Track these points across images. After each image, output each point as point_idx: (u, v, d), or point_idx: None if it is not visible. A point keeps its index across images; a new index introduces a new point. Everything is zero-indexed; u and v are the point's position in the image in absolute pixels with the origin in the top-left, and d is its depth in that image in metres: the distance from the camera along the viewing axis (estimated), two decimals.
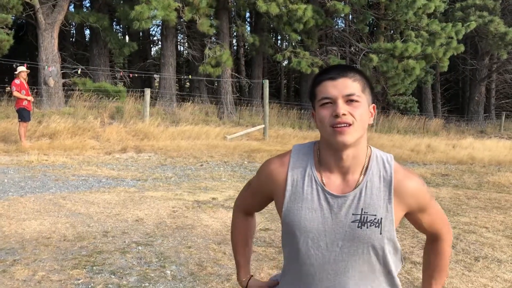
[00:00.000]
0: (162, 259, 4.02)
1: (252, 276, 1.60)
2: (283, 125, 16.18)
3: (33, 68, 10.48)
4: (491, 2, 20.61)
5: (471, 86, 25.51)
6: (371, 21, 20.58)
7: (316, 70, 17.35)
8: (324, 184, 1.32)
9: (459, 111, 27.04)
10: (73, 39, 23.02)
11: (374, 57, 16.47)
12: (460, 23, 18.11)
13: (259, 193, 1.48)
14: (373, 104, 1.34)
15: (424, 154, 12.72)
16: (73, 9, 17.14)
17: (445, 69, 18.56)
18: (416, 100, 22.77)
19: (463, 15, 20.17)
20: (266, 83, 14.06)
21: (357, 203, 1.30)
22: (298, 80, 21.05)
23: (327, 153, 1.32)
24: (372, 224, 1.28)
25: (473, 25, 18.35)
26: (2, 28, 12.47)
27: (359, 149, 1.30)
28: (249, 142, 12.44)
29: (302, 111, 18.22)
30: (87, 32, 21.90)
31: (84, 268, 3.73)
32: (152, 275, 3.67)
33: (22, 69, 9.72)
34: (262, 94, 14.42)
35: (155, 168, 8.82)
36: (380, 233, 1.28)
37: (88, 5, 21.38)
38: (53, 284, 3.43)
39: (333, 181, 1.32)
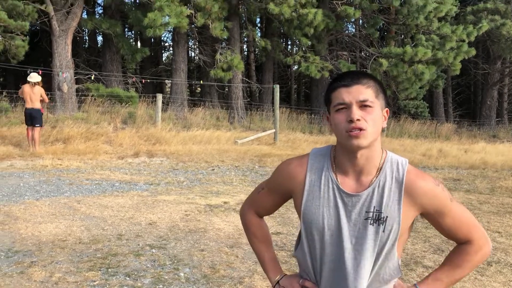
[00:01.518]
0: (175, 261, 4.07)
1: (285, 275, 1.57)
2: (293, 129, 16.21)
3: (47, 74, 10.65)
4: (502, 6, 20.46)
5: (483, 90, 25.29)
6: (381, 26, 20.56)
7: (326, 75, 17.38)
8: (339, 184, 1.38)
9: (471, 115, 26.81)
10: (86, 45, 23.35)
11: (384, 61, 16.45)
12: (471, 25, 17.99)
13: (277, 192, 1.53)
14: (386, 108, 1.39)
15: (435, 158, 12.65)
16: (86, 16, 17.40)
17: (457, 72, 18.44)
18: (427, 104, 22.63)
19: (475, 19, 20.04)
20: (277, 88, 14.12)
21: (370, 202, 1.36)
22: (309, 85, 21.08)
23: (342, 155, 1.39)
24: (381, 222, 1.34)
25: (485, 27, 18.18)
26: (18, 35, 12.70)
27: (372, 151, 1.35)
28: (259, 146, 12.49)
29: (313, 115, 18.24)
30: (100, 38, 22.23)
31: (99, 270, 3.80)
32: (166, 277, 3.73)
33: (31, 80, 9.78)
34: (273, 99, 14.47)
35: (167, 172, 8.91)
36: (383, 231, 1.34)
37: (100, 11, 21.69)
38: (70, 285, 3.50)
39: (348, 181, 1.39)
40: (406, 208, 1.35)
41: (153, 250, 4.34)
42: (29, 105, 9.67)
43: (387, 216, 1.34)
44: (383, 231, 1.35)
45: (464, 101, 28.38)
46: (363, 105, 1.31)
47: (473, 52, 17.45)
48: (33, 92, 9.70)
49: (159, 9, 13.37)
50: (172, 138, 11.77)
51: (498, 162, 12.20)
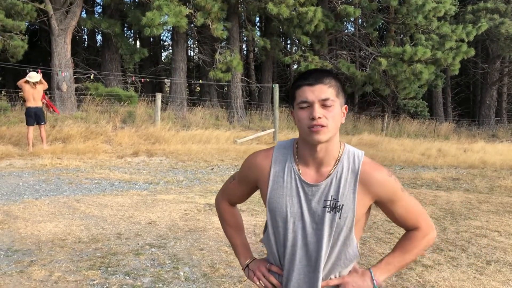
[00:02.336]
0: (175, 260, 4.07)
1: (255, 259, 1.69)
2: (293, 129, 16.21)
3: (46, 74, 10.62)
4: (502, 5, 20.47)
5: (482, 89, 25.30)
6: (381, 25, 20.56)
7: None
8: (301, 174, 1.50)
9: (470, 115, 26.82)
10: (85, 45, 23.32)
11: (383, 61, 16.45)
12: (470, 25, 17.98)
13: (246, 182, 1.65)
14: (345, 105, 1.51)
15: (435, 158, 12.66)
16: (85, 15, 17.38)
17: (456, 72, 18.44)
18: (427, 104, 22.63)
19: (474, 18, 20.04)
20: (276, 87, 14.12)
21: (328, 191, 1.48)
22: None
23: (304, 148, 1.50)
24: (337, 210, 1.46)
25: (484, 26, 18.18)
26: (17, 34, 12.68)
27: (331, 145, 1.47)
28: (259, 146, 12.49)
29: None
30: (99, 37, 22.21)
31: (99, 269, 3.80)
32: (166, 276, 3.73)
33: (32, 80, 9.78)
34: (272, 98, 14.47)
35: (166, 171, 8.91)
36: (339, 218, 1.46)
37: (100, 11, 21.67)
38: (69, 284, 3.50)
39: (309, 172, 1.51)
40: (360, 197, 1.47)
41: (153, 249, 4.34)
42: (32, 104, 9.67)
43: (343, 205, 1.46)
44: (340, 218, 1.46)
45: (463, 100, 28.39)
46: (324, 104, 1.42)
47: (472, 52, 17.44)
48: (35, 91, 9.72)
49: (158, 8, 13.35)
50: (172, 138, 11.76)
51: (497, 162, 12.22)
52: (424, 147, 14.23)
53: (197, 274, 3.79)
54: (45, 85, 9.97)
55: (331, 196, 1.46)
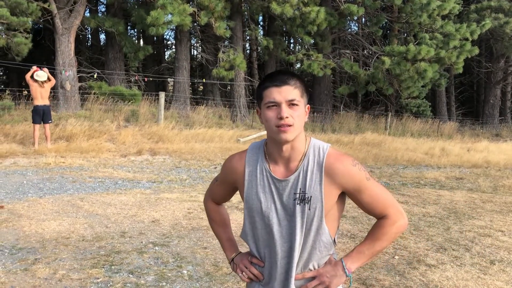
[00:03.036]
0: (178, 259, 4.08)
1: (240, 253, 1.78)
2: None
3: (50, 73, 10.64)
4: (506, 3, 20.38)
5: (486, 89, 25.20)
6: (384, 24, 20.51)
7: (329, 73, 17.35)
8: (271, 171, 1.59)
9: (474, 114, 26.72)
10: (89, 44, 23.37)
11: (387, 59, 16.40)
12: (474, 24, 17.91)
13: (225, 183, 1.76)
14: (308, 105, 1.60)
15: (438, 157, 12.63)
16: (88, 14, 17.41)
17: (460, 71, 18.36)
18: (430, 103, 22.56)
19: (478, 17, 19.96)
20: None
21: (296, 184, 1.56)
22: (311, 83, 21.04)
23: (272, 146, 1.59)
24: (306, 202, 1.54)
25: (488, 25, 18.09)
26: (21, 32, 12.71)
27: (297, 142, 1.56)
28: None
29: (315, 113, 18.22)
30: (103, 36, 22.25)
31: (103, 267, 3.82)
32: (169, 274, 3.74)
33: (39, 79, 9.86)
34: None
35: (170, 170, 8.92)
36: (309, 209, 1.54)
37: (103, 10, 21.70)
38: (73, 282, 3.51)
39: (279, 168, 1.60)
40: (327, 188, 1.54)
41: (156, 248, 4.35)
42: (40, 102, 9.77)
43: (311, 196, 1.54)
44: (309, 209, 1.54)
45: (467, 99, 28.29)
46: (291, 104, 1.50)
47: (476, 51, 17.37)
48: (43, 89, 9.80)
49: (162, 7, 13.35)
50: (175, 136, 11.78)
51: (501, 161, 12.18)
52: (428, 146, 14.20)
53: (200, 273, 3.80)
54: (52, 82, 10.08)
55: (300, 189, 1.55)
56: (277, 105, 1.50)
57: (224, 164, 1.73)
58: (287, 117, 1.48)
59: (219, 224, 1.87)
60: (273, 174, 1.59)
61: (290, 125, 1.49)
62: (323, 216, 1.55)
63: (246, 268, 1.69)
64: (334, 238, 1.63)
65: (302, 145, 1.58)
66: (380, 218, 1.60)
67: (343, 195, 1.60)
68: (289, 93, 1.50)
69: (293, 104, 1.51)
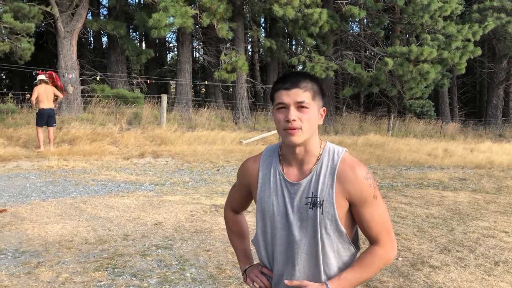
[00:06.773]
0: (181, 262, 4.08)
1: (253, 264, 1.76)
2: None
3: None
4: (509, 3, 20.33)
5: (489, 89, 25.14)
6: (386, 25, 20.49)
7: (331, 74, 17.33)
8: (284, 174, 1.58)
9: (477, 114, 26.65)
10: (91, 47, 23.42)
11: (389, 61, 16.38)
12: (477, 24, 17.87)
13: (242, 188, 1.75)
14: (324, 108, 1.59)
15: (441, 158, 12.60)
16: (91, 17, 17.45)
17: (463, 71, 18.33)
18: (433, 104, 22.52)
19: (480, 17, 19.92)
20: None
21: (309, 188, 1.54)
22: None
23: (286, 149, 1.59)
24: (318, 206, 1.51)
25: (491, 25, 18.04)
26: (24, 36, 12.76)
27: (310, 145, 1.54)
28: (264, 146, 12.44)
29: None
30: (105, 39, 22.28)
31: (106, 270, 3.81)
32: (172, 277, 3.73)
33: (42, 78, 9.97)
34: None
35: (172, 172, 8.92)
36: (322, 213, 1.51)
37: (105, 13, 21.76)
38: (76, 285, 3.51)
39: (292, 171, 1.58)
40: (337, 194, 1.51)
41: (159, 250, 4.34)
42: (46, 105, 9.82)
43: (323, 200, 1.51)
44: (322, 214, 1.51)
45: (469, 100, 28.23)
46: (300, 106, 1.49)
47: (479, 51, 17.33)
48: (48, 92, 9.87)
49: (164, 10, 13.37)
50: (177, 139, 11.78)
51: (504, 162, 12.13)
52: (431, 147, 14.16)
53: (203, 275, 3.79)
54: (60, 97, 10.23)
55: (312, 192, 1.53)
56: (286, 107, 1.50)
57: (240, 168, 1.73)
58: (294, 120, 1.47)
59: (235, 235, 1.85)
60: (286, 177, 1.57)
61: (297, 128, 1.48)
62: (338, 220, 1.51)
63: (257, 277, 1.68)
64: (356, 242, 1.60)
65: (316, 149, 1.56)
66: (373, 243, 1.57)
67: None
68: (298, 95, 1.49)
69: (302, 107, 1.49)
